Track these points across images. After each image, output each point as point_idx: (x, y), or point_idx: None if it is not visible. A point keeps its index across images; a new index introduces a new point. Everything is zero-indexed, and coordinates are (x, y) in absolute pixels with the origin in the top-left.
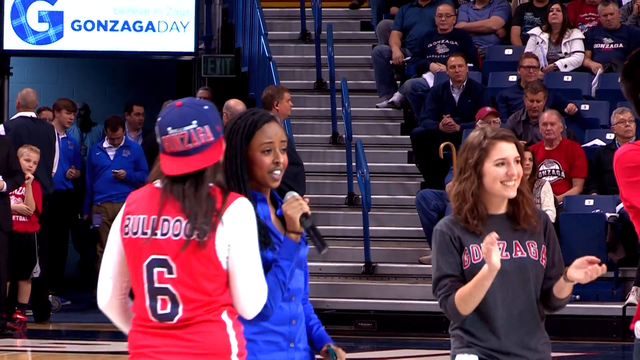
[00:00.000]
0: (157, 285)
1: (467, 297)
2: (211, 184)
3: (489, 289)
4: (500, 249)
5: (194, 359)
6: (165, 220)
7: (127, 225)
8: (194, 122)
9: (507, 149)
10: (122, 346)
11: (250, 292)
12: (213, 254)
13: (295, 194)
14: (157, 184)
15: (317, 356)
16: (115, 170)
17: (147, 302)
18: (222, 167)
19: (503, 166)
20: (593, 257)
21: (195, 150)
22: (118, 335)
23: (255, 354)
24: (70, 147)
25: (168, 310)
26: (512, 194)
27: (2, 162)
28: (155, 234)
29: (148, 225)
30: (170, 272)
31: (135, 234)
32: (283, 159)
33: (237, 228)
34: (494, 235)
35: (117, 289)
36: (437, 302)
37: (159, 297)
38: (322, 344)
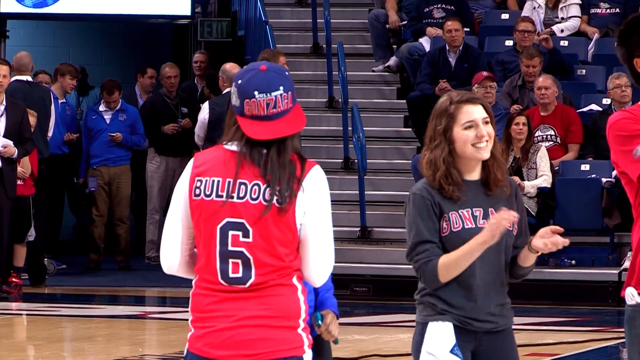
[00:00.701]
0: (230, 248)
1: (452, 265)
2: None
3: None
4: (477, 216)
5: (267, 321)
6: (242, 183)
7: (198, 187)
8: (281, 87)
9: (474, 111)
10: (117, 310)
11: (322, 259)
12: (292, 220)
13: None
14: (230, 146)
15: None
16: (112, 134)
17: (218, 265)
18: (299, 134)
19: (471, 129)
20: (557, 227)
21: (278, 115)
22: (113, 299)
23: None
24: (67, 112)
25: (240, 274)
26: (486, 155)
27: (15, 128)
28: (232, 197)
29: (223, 188)
30: (246, 236)
31: (208, 196)
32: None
33: (315, 195)
34: (513, 213)
35: (185, 251)
36: None
37: (231, 261)
38: (322, 309)
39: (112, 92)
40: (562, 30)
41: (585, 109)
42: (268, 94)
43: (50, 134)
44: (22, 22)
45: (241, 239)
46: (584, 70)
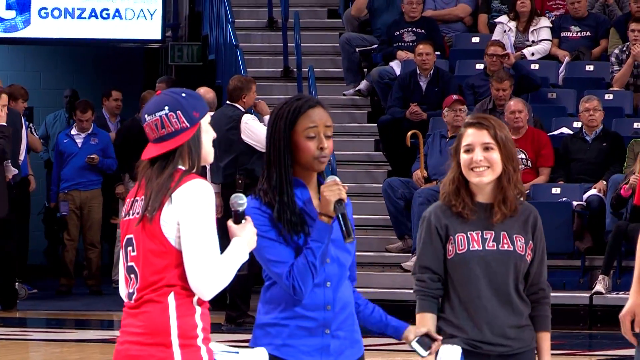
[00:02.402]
0: (128, 264)
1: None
2: (180, 167)
3: (472, 279)
4: (487, 239)
5: (138, 338)
6: (135, 201)
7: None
8: (166, 107)
9: (473, 135)
10: (88, 334)
11: (195, 270)
12: (158, 230)
13: (336, 178)
14: None
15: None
16: (90, 156)
17: (126, 282)
18: (193, 150)
19: (469, 152)
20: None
21: (169, 135)
22: (84, 323)
23: (284, 339)
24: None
25: (132, 289)
26: (484, 180)
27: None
28: (129, 214)
29: (128, 206)
30: (133, 250)
31: (124, 216)
32: (328, 144)
33: (185, 207)
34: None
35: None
36: (403, 291)
37: (130, 276)
38: (399, 332)
39: (85, 110)
40: (532, 54)
41: (556, 133)
42: (153, 115)
43: (21, 157)
44: None
45: (131, 253)
46: (554, 94)
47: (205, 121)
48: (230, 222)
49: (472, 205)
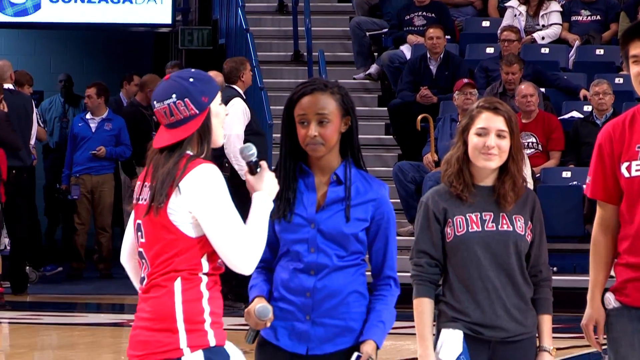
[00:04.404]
0: (138, 249)
1: (416, 321)
2: (189, 152)
3: (473, 261)
4: (486, 220)
5: (146, 323)
6: (145, 186)
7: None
8: (174, 95)
9: (490, 119)
10: (99, 318)
11: (225, 250)
12: (166, 219)
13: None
14: None
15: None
16: (94, 152)
17: (139, 265)
18: (203, 137)
19: (481, 136)
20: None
21: (179, 123)
22: (96, 307)
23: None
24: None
25: (143, 274)
26: (492, 165)
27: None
28: (138, 199)
29: (139, 190)
30: (142, 237)
31: (136, 199)
32: (321, 130)
33: (196, 196)
34: None
35: None
36: None
37: (142, 261)
38: (363, 338)
39: (99, 95)
40: (543, 38)
41: (566, 116)
42: (162, 103)
43: (32, 142)
44: (3, 31)
45: (140, 239)
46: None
47: (216, 103)
48: (248, 176)
49: (472, 188)
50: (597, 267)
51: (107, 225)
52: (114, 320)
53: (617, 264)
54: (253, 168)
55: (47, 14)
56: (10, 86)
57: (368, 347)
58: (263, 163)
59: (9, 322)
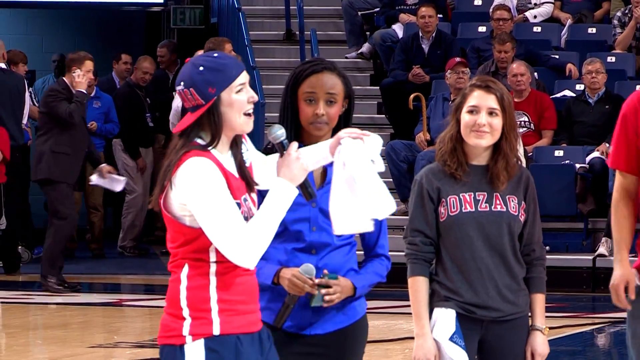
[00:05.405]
0: None
1: (411, 298)
2: (199, 141)
3: (465, 241)
4: (479, 200)
5: (165, 307)
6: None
7: None
8: (182, 83)
9: (479, 98)
10: (92, 297)
11: (219, 242)
12: (168, 212)
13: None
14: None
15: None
16: (89, 124)
17: None
18: (212, 125)
19: (473, 114)
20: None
21: (190, 109)
22: (88, 287)
23: (266, 302)
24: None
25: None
26: (483, 143)
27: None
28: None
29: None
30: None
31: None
32: (328, 110)
33: (185, 188)
34: None
35: None
36: None
37: None
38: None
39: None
40: (535, 16)
41: (558, 95)
42: (177, 88)
43: (24, 121)
44: None
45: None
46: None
47: (230, 92)
48: (278, 159)
49: (465, 167)
50: (620, 227)
51: (99, 204)
52: (106, 300)
53: (638, 243)
54: (281, 150)
55: None
56: (3, 65)
57: (343, 280)
58: (292, 145)
59: (1, 302)
